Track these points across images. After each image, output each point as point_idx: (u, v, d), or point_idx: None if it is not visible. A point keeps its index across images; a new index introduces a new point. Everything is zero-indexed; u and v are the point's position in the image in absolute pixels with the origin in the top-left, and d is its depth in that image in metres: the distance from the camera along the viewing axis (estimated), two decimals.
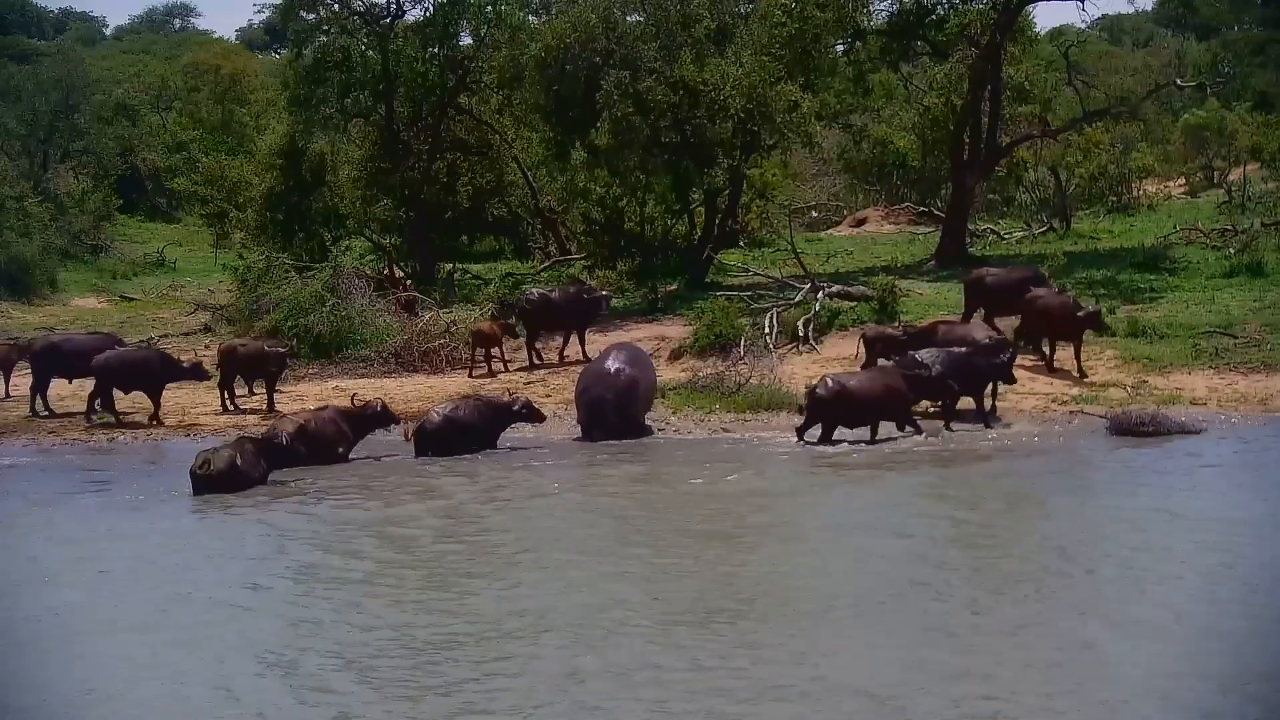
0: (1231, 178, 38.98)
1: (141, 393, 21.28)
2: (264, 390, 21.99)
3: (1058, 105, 34.73)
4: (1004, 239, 33.92)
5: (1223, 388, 19.81)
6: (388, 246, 33.69)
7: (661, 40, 27.93)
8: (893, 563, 12.34)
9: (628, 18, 29.07)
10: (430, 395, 21.70)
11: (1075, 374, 20.47)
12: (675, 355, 23.56)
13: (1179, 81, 34.98)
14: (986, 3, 30.76)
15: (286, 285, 26.60)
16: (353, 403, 18.64)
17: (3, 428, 21.01)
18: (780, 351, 22.68)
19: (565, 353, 24.12)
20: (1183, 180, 42.38)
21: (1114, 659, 9.66)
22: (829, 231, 39.75)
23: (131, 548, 13.82)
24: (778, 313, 23.86)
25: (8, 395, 23.13)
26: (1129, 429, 17.78)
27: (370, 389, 21.67)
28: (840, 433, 18.05)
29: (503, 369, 23.66)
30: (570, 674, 9.65)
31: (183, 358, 21.87)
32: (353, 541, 13.90)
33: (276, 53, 70.20)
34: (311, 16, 32.80)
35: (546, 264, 32.93)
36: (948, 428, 18.50)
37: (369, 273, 29.21)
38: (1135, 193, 38.35)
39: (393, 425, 18.80)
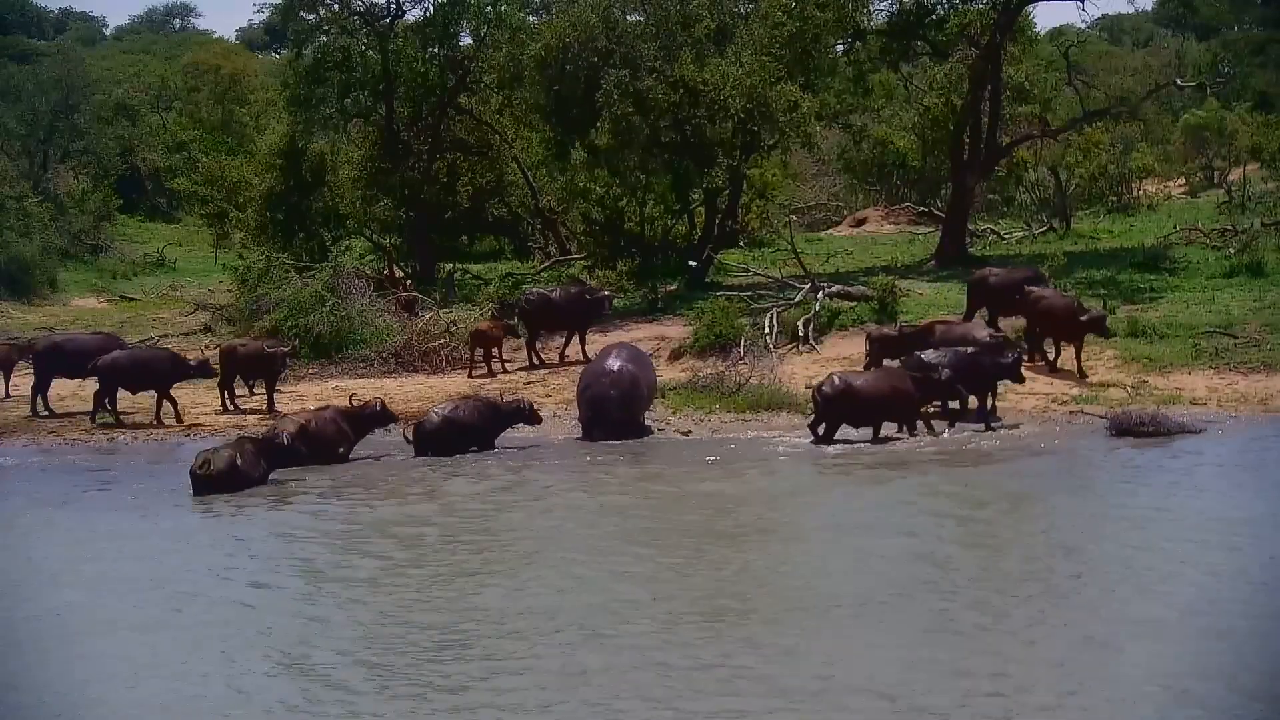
0: (1231, 178, 38.97)
1: (152, 392, 21.14)
2: (264, 390, 22.00)
3: (1058, 105, 34.75)
4: (1004, 239, 33.91)
5: (1223, 388, 19.81)
6: (388, 246, 33.67)
7: (661, 40, 27.91)
8: (894, 562, 12.34)
9: (628, 17, 29.04)
10: (430, 395, 21.69)
11: (1076, 374, 20.47)
12: (675, 355, 23.53)
13: (1179, 81, 34.99)
14: (986, 3, 30.76)
15: (286, 285, 26.56)
16: (351, 403, 18.66)
17: (3, 428, 20.98)
18: (780, 351, 22.66)
19: (565, 353, 24.12)
20: (1183, 180, 42.36)
21: (1118, 658, 9.65)
22: (829, 231, 39.74)
23: (132, 548, 13.82)
24: (778, 313, 23.84)
25: (8, 395, 23.12)
26: (1129, 429, 17.76)
27: (370, 389, 21.66)
28: (841, 432, 18.03)
29: (502, 369, 23.67)
30: (578, 672, 9.65)
31: (189, 356, 21.85)
32: (354, 541, 13.89)
33: (276, 53, 70.21)
34: (311, 16, 32.80)
35: (546, 264, 32.90)
36: (951, 427, 18.49)
37: (369, 273, 29.17)
38: (1135, 193, 38.32)
39: (392, 425, 18.84)
